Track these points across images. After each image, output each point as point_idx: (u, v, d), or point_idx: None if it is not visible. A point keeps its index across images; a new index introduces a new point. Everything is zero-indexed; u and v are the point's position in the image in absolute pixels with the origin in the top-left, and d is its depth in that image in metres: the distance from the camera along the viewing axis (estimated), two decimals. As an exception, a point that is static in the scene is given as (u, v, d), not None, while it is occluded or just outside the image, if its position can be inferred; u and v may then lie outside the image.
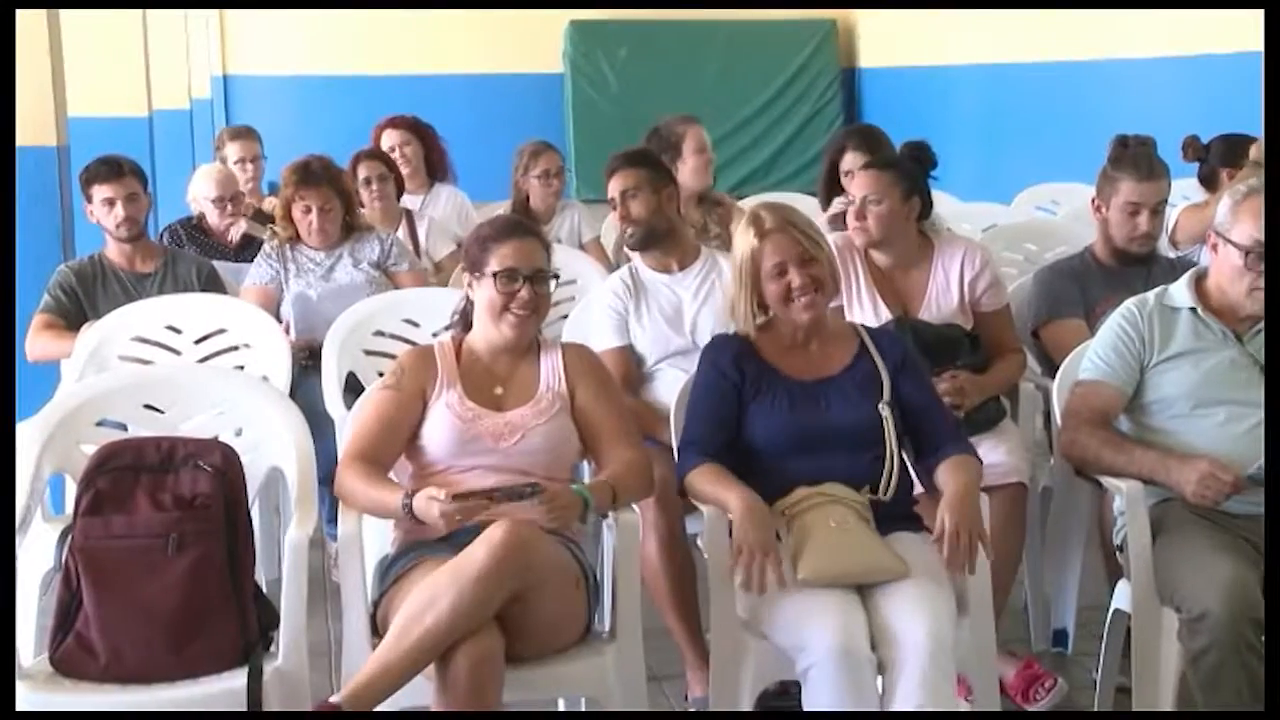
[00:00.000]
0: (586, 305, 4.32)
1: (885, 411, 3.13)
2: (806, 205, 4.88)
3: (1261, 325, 3.19)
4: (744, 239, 3.19)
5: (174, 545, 2.81)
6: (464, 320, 3.27)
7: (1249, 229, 3.13)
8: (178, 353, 4.26)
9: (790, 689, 2.90)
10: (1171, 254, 4.56)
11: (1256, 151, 5.01)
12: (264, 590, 3.02)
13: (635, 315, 3.85)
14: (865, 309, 3.86)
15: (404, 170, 5.88)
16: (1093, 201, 4.09)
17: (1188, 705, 2.95)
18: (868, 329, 3.33)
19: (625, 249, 4.05)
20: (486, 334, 3.20)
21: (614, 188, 3.96)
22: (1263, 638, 2.82)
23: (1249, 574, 2.92)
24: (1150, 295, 3.33)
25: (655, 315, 3.84)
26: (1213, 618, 2.81)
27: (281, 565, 2.97)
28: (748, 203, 5.05)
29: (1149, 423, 3.24)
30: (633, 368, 3.84)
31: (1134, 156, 4.01)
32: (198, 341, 4.29)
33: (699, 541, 3.36)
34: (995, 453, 3.56)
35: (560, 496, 2.89)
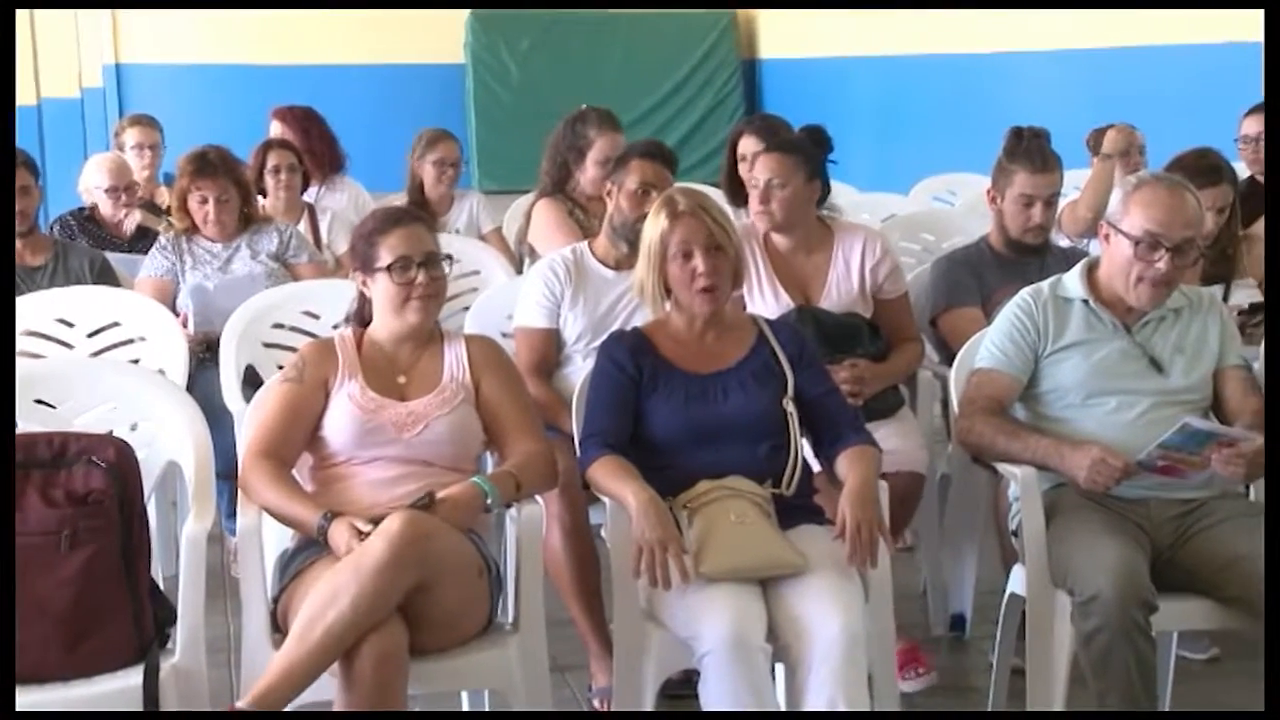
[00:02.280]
0: (490, 295, 4.30)
1: (790, 407, 3.15)
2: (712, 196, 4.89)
3: (1149, 315, 3.27)
4: (656, 220, 3.18)
5: (67, 543, 2.75)
6: (359, 318, 3.24)
7: (1139, 219, 3.19)
8: (70, 346, 4.18)
9: (694, 678, 2.92)
10: (1064, 243, 4.65)
11: (1109, 143, 5.12)
12: (161, 587, 2.97)
13: (569, 301, 3.81)
14: (766, 296, 3.88)
15: None
16: (988, 192, 4.15)
17: (1079, 685, 3.01)
18: (767, 321, 3.35)
19: (612, 238, 3.88)
20: (388, 325, 3.17)
21: (646, 179, 3.88)
22: (1150, 619, 2.90)
23: (1137, 557, 2.99)
24: (1045, 285, 3.38)
25: (589, 305, 3.81)
26: (1103, 600, 2.87)
27: (179, 561, 2.92)
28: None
29: (1043, 411, 3.30)
30: (553, 351, 3.82)
31: (1028, 149, 4.07)
32: (91, 335, 4.22)
33: (603, 532, 3.37)
34: (894, 440, 3.59)
35: (455, 500, 2.89)
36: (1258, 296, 4.11)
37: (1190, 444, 3.04)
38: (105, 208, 5.30)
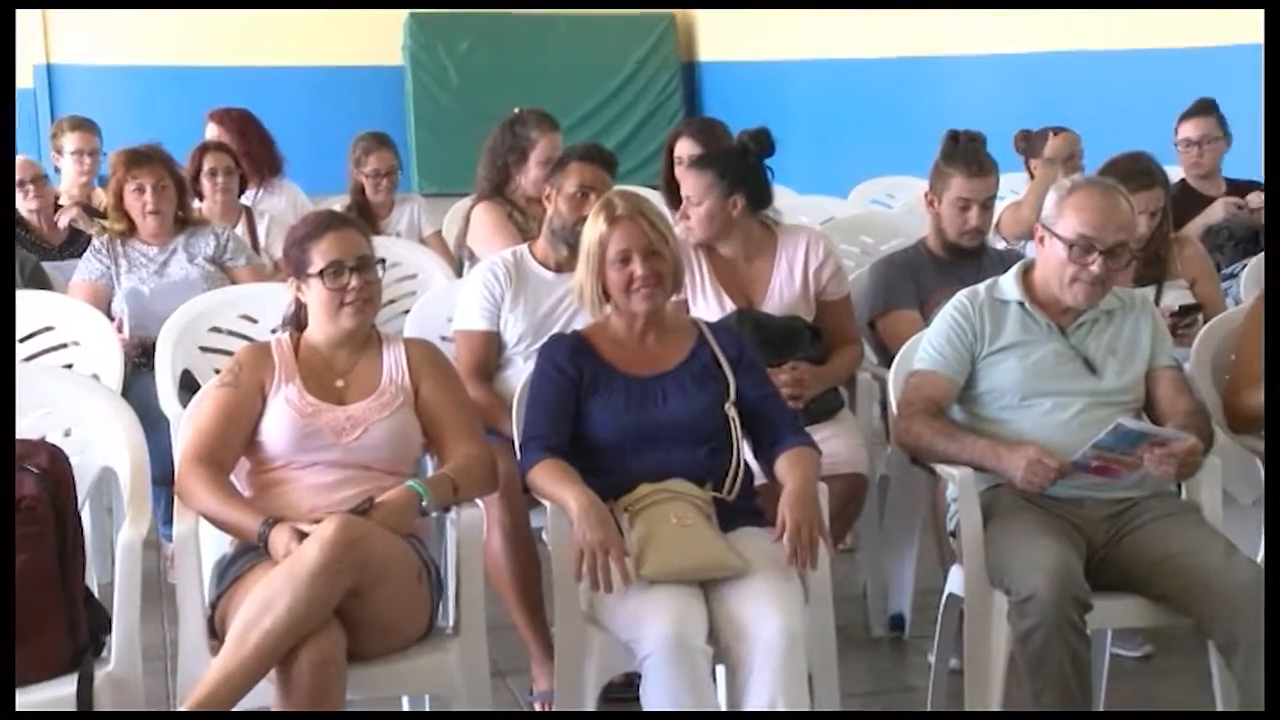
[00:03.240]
0: (430, 299, 4.28)
1: (731, 411, 3.16)
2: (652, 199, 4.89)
3: (1083, 318, 3.31)
4: (594, 224, 3.19)
5: (-1, 550, 2.72)
6: (296, 323, 3.22)
7: (1073, 222, 3.22)
8: (2, 351, 4.12)
9: (635, 680, 2.92)
10: (1000, 245, 4.69)
11: (1053, 149, 5.19)
12: (96, 594, 2.94)
13: (510, 304, 3.80)
14: (709, 302, 3.88)
15: None
16: (926, 195, 4.19)
17: (1017, 684, 3.03)
18: (707, 324, 3.36)
19: (551, 242, 3.87)
20: (324, 330, 3.16)
21: (585, 182, 3.87)
22: (1085, 617, 2.93)
23: (1072, 556, 3.02)
24: (981, 287, 3.41)
25: (529, 308, 3.80)
26: (1039, 599, 2.90)
27: (115, 568, 2.89)
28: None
29: (980, 412, 3.33)
30: (493, 354, 3.81)
31: (964, 152, 4.11)
32: (23, 340, 4.15)
33: (544, 535, 3.36)
34: (834, 442, 3.62)
35: (389, 505, 2.88)
36: (1189, 298, 4.18)
37: (1123, 444, 3.08)
38: (20, 207, 5.22)
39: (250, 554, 2.92)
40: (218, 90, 8.41)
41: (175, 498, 3.04)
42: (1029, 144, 5.52)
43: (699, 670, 2.79)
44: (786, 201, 5.34)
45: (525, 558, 3.55)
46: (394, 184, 5.98)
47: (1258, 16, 7.18)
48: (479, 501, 3.10)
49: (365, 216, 5.76)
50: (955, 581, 3.30)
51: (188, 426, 3.17)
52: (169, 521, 3.79)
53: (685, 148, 4.77)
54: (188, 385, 4.02)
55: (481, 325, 3.81)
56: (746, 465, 3.17)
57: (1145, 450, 3.08)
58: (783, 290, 3.93)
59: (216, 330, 4.22)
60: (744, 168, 3.95)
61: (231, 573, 2.93)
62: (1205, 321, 3.86)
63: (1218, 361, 3.62)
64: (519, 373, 3.64)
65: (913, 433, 3.31)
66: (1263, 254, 4.20)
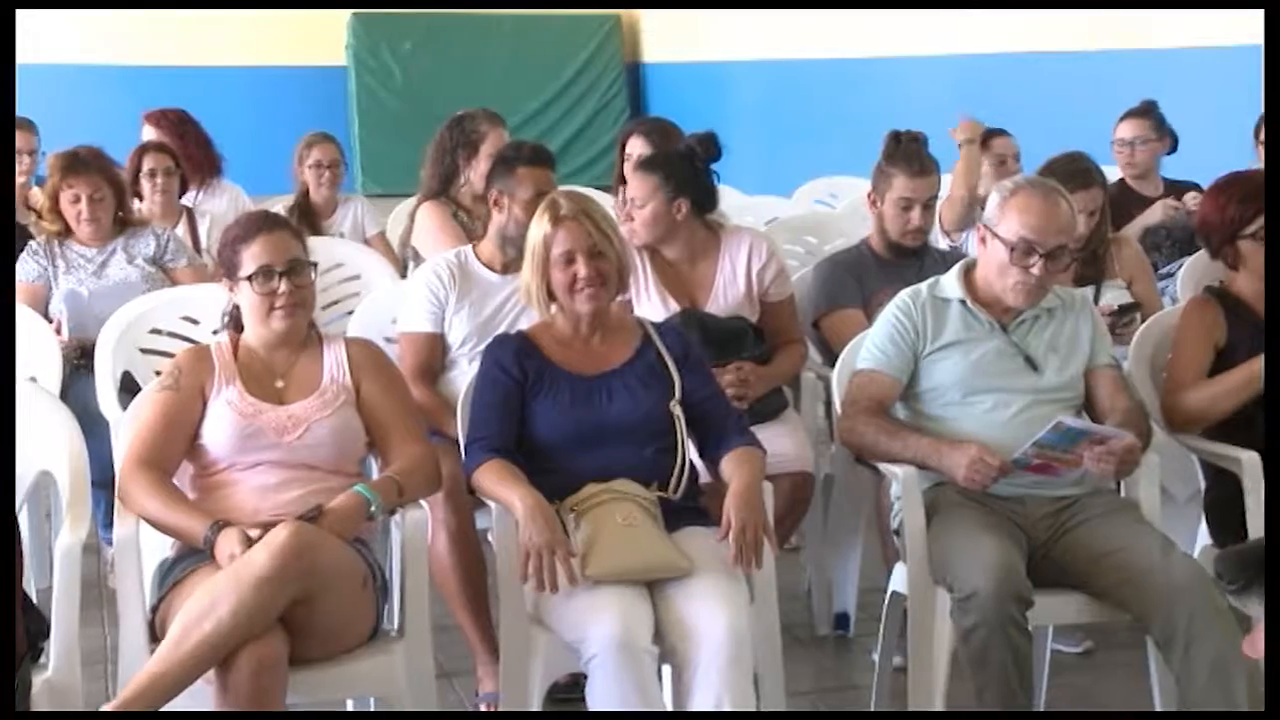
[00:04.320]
0: (374, 300, 4.26)
1: (677, 410, 3.17)
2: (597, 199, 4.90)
3: (1024, 315, 3.34)
4: (539, 224, 3.18)
5: (-67, 555, 2.67)
6: (234, 323, 3.20)
7: (1015, 225, 3.25)
8: (-63, 353, 4.06)
9: (580, 681, 2.92)
10: (944, 245, 4.73)
11: (962, 132, 5.23)
12: (34, 599, 2.90)
13: (454, 305, 3.78)
14: (654, 303, 3.89)
15: None
16: (868, 196, 4.21)
17: (959, 681, 3.06)
18: (653, 323, 3.36)
19: (499, 245, 3.85)
20: (258, 333, 3.14)
21: (541, 186, 3.81)
22: (1027, 614, 2.96)
23: (1014, 554, 3.05)
24: (923, 286, 3.43)
25: (474, 309, 3.78)
26: (981, 596, 2.93)
27: (53, 573, 2.86)
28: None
29: (923, 410, 3.35)
30: (437, 356, 3.79)
31: (906, 153, 4.13)
32: (-41, 342, 4.10)
33: (489, 537, 3.35)
34: (779, 441, 3.63)
35: (339, 511, 2.86)
36: (1127, 298, 4.23)
37: (1064, 442, 3.11)
38: None
39: (193, 557, 2.90)
40: (159, 90, 8.33)
41: (115, 501, 3.01)
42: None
43: (644, 670, 2.79)
44: (732, 201, 5.38)
45: (470, 559, 3.54)
46: (337, 178, 5.96)
47: (1200, 19, 7.32)
48: (424, 503, 3.09)
49: (308, 216, 5.74)
50: (899, 580, 3.32)
51: (129, 429, 3.13)
52: (109, 525, 3.75)
53: (636, 145, 4.79)
54: (128, 387, 3.98)
55: (426, 327, 3.79)
56: (692, 465, 3.18)
57: (1085, 448, 3.11)
58: (726, 291, 3.94)
59: (157, 332, 4.17)
60: (690, 171, 3.97)
61: (173, 576, 2.90)
62: (1143, 320, 3.91)
63: (1155, 360, 3.66)
64: (464, 374, 3.62)
65: (856, 431, 3.33)
66: (1199, 253, 4.25)
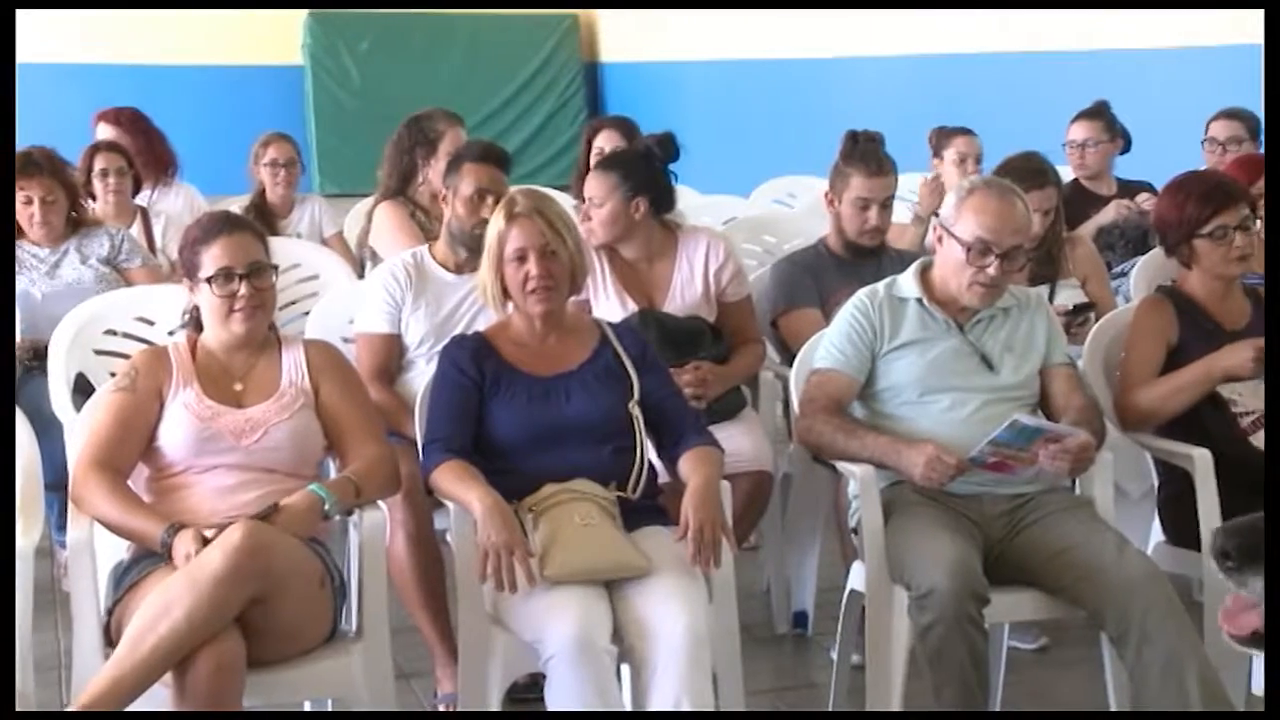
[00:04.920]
0: (331, 300, 4.24)
1: (635, 411, 3.17)
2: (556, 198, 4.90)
3: (980, 314, 3.36)
4: (495, 221, 3.19)
5: (-116, 559, 2.65)
6: (194, 323, 3.18)
7: (971, 225, 3.27)
8: (-113, 355, 4.01)
9: (540, 681, 2.92)
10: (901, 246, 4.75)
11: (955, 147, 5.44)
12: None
13: (411, 305, 3.77)
14: (611, 302, 3.89)
15: None
16: (826, 195, 4.22)
17: (917, 678, 3.07)
18: (610, 324, 3.36)
19: (451, 244, 3.84)
20: (217, 335, 3.12)
21: (481, 184, 3.84)
22: (983, 611, 2.98)
23: (971, 552, 3.07)
24: (880, 286, 3.45)
25: (431, 310, 3.77)
26: (939, 594, 2.94)
27: (5, 576, 2.83)
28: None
29: (880, 409, 3.37)
30: (395, 356, 3.78)
31: (863, 153, 4.13)
32: (-91, 343, 4.05)
33: (448, 537, 3.35)
34: (737, 441, 3.64)
35: (293, 510, 2.85)
36: (1081, 298, 4.27)
37: (1020, 440, 3.13)
38: None
39: (148, 560, 2.88)
40: (111, 88, 8.26)
41: (69, 504, 2.98)
42: (938, 141, 5.67)
43: (603, 670, 2.79)
44: (689, 201, 5.39)
45: (429, 560, 3.53)
46: (293, 177, 5.93)
47: (1152, 20, 7.39)
48: (382, 504, 3.08)
49: (265, 216, 5.71)
50: (857, 578, 3.33)
51: (83, 432, 3.11)
52: (63, 528, 3.71)
53: (607, 140, 4.79)
54: (82, 389, 3.94)
55: (383, 328, 3.78)
56: (650, 464, 3.18)
57: (1040, 446, 3.13)
58: (684, 291, 3.95)
59: (111, 333, 4.14)
60: (648, 171, 3.97)
61: (128, 579, 2.88)
62: (1097, 320, 3.94)
63: (1109, 359, 3.70)
64: (421, 375, 3.62)
65: (814, 431, 3.34)
66: (1152, 253, 4.30)
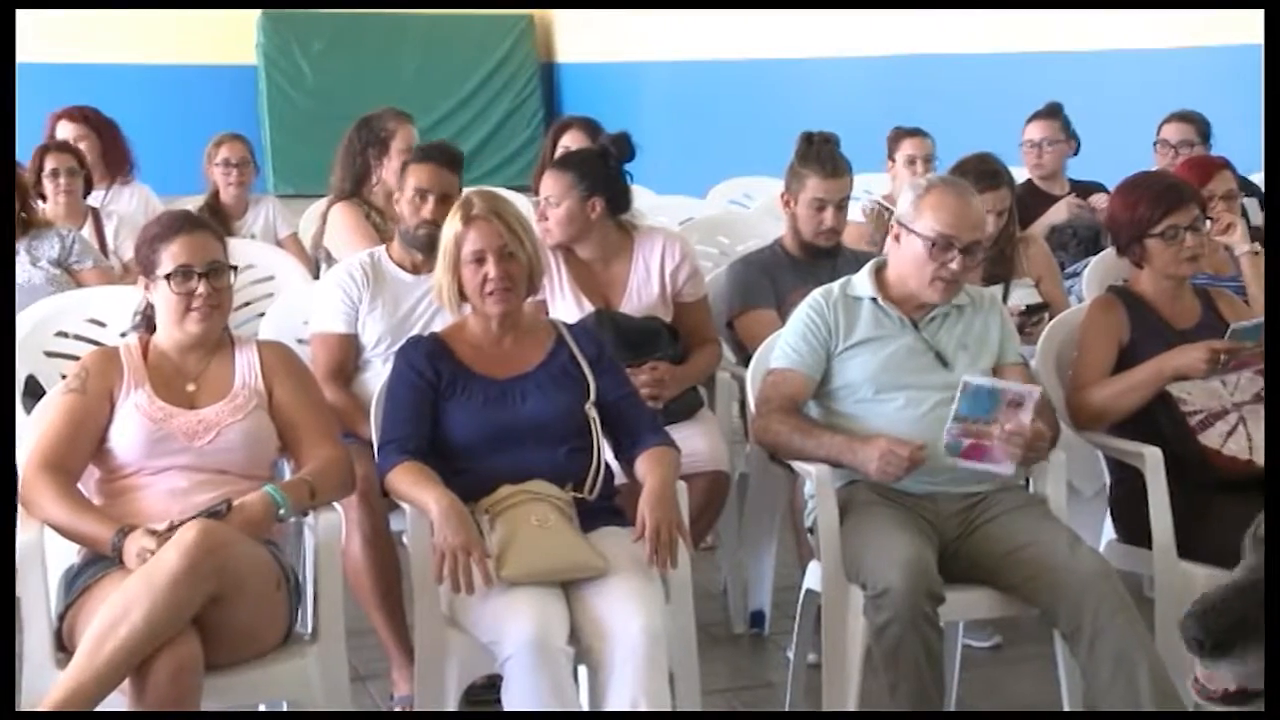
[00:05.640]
0: (286, 301, 4.22)
1: (591, 412, 3.17)
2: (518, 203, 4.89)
3: (935, 312, 3.38)
4: (451, 222, 3.18)
5: None
6: (147, 322, 3.15)
7: (931, 221, 3.29)
8: None
9: (497, 682, 2.92)
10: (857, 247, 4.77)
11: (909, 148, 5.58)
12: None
13: (367, 306, 3.75)
14: (568, 303, 3.89)
15: None
16: (782, 196, 4.23)
17: (873, 676, 3.09)
18: (566, 324, 3.36)
19: (403, 245, 3.86)
20: (171, 334, 3.10)
21: (420, 184, 3.83)
22: (938, 609, 3.00)
23: (926, 551, 3.09)
24: (835, 285, 3.47)
25: (387, 310, 3.76)
26: (894, 593, 2.96)
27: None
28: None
29: (836, 408, 3.38)
30: (350, 357, 3.76)
31: (818, 154, 4.15)
32: None
33: (404, 539, 3.34)
34: (694, 441, 3.64)
35: (246, 511, 2.83)
36: (1035, 298, 4.31)
37: (980, 407, 3.11)
38: None
39: (100, 563, 2.85)
40: (63, 88, 8.17)
41: (19, 507, 2.95)
42: (892, 142, 5.72)
43: (560, 671, 2.79)
44: (645, 201, 5.39)
45: (385, 561, 3.51)
46: (246, 177, 5.89)
47: (1105, 22, 7.46)
48: (337, 505, 3.06)
49: (219, 217, 5.66)
50: (813, 577, 3.35)
51: (33, 433, 3.08)
52: (13, 531, 3.68)
53: (573, 139, 4.79)
54: (32, 391, 3.90)
55: (339, 328, 3.77)
56: (607, 465, 3.18)
57: (1003, 412, 3.13)
58: (640, 291, 3.95)
59: (63, 335, 4.10)
60: (604, 171, 3.97)
61: (80, 583, 2.85)
62: (1051, 319, 3.97)
63: (1061, 358, 3.73)
64: (377, 375, 3.61)
65: (770, 430, 3.35)
66: (1104, 253, 4.34)
